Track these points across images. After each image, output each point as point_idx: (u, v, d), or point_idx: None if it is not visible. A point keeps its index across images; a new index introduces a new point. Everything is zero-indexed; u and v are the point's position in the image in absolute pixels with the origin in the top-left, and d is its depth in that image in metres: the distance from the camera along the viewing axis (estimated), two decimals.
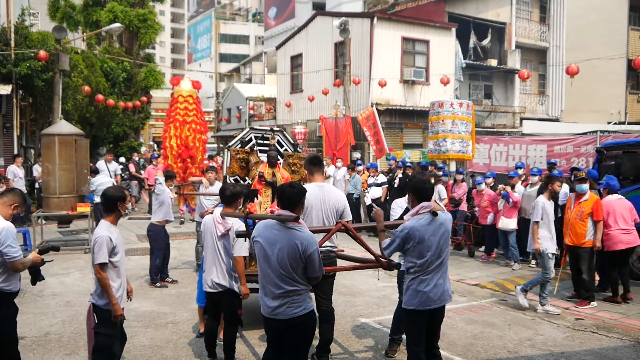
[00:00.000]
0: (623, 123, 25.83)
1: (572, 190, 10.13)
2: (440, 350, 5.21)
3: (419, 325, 4.91)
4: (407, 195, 5.23)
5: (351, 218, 6.28)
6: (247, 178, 8.31)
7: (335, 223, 6.04)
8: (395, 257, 5.51)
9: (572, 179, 8.98)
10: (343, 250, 6.40)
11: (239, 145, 8.45)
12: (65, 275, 10.02)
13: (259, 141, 8.60)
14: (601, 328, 7.38)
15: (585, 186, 8.48)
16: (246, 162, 8.26)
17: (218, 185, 10.47)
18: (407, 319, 5.02)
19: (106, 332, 4.98)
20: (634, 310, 8.18)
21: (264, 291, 4.39)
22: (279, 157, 8.25)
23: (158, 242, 9.35)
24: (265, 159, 8.20)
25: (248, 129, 8.79)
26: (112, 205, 5.04)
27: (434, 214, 4.76)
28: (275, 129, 8.80)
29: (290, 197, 4.37)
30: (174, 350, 6.42)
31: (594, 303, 8.37)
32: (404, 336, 6.44)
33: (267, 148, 8.41)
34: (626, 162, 10.54)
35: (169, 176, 9.76)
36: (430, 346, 5.04)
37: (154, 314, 7.79)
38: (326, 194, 5.86)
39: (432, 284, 4.79)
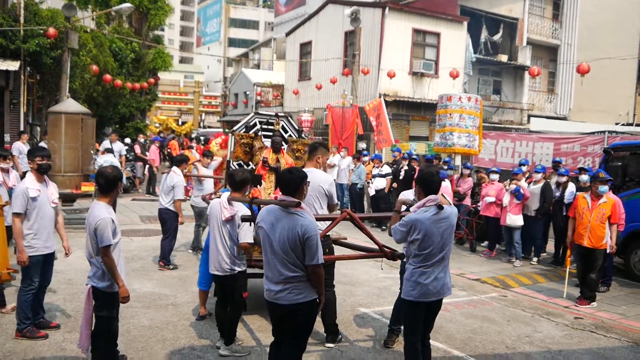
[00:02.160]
0: (631, 124, 25.69)
1: (579, 189, 10.15)
2: (431, 340, 5.29)
3: (416, 316, 4.96)
4: (414, 187, 5.24)
5: (337, 202, 6.31)
6: (250, 163, 8.29)
7: (320, 204, 6.06)
8: (400, 249, 5.52)
9: (591, 180, 8.91)
10: (346, 239, 6.41)
11: (244, 130, 8.41)
12: None
13: (263, 126, 8.56)
14: (600, 328, 7.38)
15: (607, 188, 8.41)
16: (250, 147, 8.23)
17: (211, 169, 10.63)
18: (405, 309, 5.08)
19: (108, 314, 5.02)
20: (634, 311, 8.18)
21: (267, 276, 4.42)
22: (283, 143, 8.24)
23: (173, 225, 9.46)
24: (270, 144, 8.18)
25: (253, 114, 8.74)
26: (112, 185, 5.00)
27: (439, 207, 4.78)
28: (280, 114, 8.76)
29: (289, 183, 4.40)
30: (173, 331, 6.45)
31: (594, 303, 8.38)
32: (403, 327, 6.47)
33: (271, 133, 8.37)
34: (633, 164, 10.50)
35: (182, 160, 9.79)
36: (422, 337, 5.09)
37: (154, 296, 7.82)
38: (310, 177, 5.93)
39: (433, 277, 4.83)
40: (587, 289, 8.46)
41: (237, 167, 8.20)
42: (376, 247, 5.45)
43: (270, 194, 7.75)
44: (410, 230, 4.80)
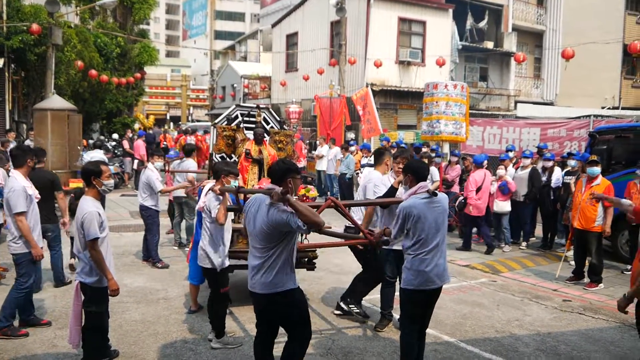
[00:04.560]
0: (617, 108, 25.87)
1: (569, 174, 10.24)
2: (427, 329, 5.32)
3: (417, 304, 5.01)
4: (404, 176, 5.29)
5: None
6: (232, 155, 8.31)
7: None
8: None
9: (587, 162, 8.97)
10: (330, 227, 6.45)
11: (225, 123, 8.42)
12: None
13: (245, 118, 8.57)
14: (588, 309, 7.48)
15: (597, 169, 8.42)
16: (232, 139, 8.23)
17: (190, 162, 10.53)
18: (405, 298, 5.04)
19: (97, 309, 5.02)
20: (621, 292, 8.22)
21: (249, 265, 4.46)
22: (265, 135, 8.25)
23: (150, 221, 9.39)
24: (252, 136, 8.19)
25: (234, 106, 8.75)
26: (86, 179, 5.05)
27: (433, 194, 4.89)
28: (261, 106, 8.77)
29: (274, 172, 4.42)
30: (165, 325, 6.46)
31: (602, 285, 8.51)
32: (394, 314, 6.54)
33: (253, 125, 8.38)
34: (618, 147, 10.59)
35: (151, 153, 9.78)
36: (421, 327, 5.14)
37: (145, 290, 7.83)
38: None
39: (433, 264, 4.87)
40: (592, 273, 8.58)
41: (219, 159, 8.21)
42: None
43: (253, 185, 7.76)
44: (405, 218, 4.86)
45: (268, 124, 8.52)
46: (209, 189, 5.78)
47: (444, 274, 4.97)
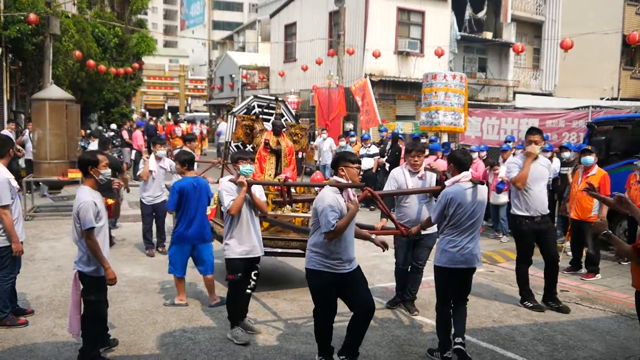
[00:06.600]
0: (616, 99, 25.85)
1: (564, 164, 10.24)
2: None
3: (445, 281, 5.35)
4: (447, 165, 5.63)
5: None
6: (247, 146, 8.45)
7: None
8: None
9: (580, 152, 9.00)
10: None
11: (244, 112, 8.55)
12: (56, 240, 10.05)
13: (264, 110, 8.72)
14: (585, 300, 7.52)
15: (591, 158, 8.43)
16: (251, 129, 8.36)
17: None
18: (436, 274, 5.44)
19: (95, 298, 5.04)
20: (618, 283, 8.31)
21: None
22: (283, 126, 8.34)
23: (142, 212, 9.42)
24: (269, 127, 8.32)
25: (252, 97, 8.89)
26: (83, 169, 5.03)
27: (480, 183, 5.26)
28: (279, 98, 8.89)
29: (332, 162, 5.02)
30: (164, 315, 6.49)
31: (599, 275, 8.55)
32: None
33: (269, 117, 8.52)
34: (616, 138, 10.60)
35: (156, 142, 9.79)
36: (458, 298, 5.41)
37: (145, 280, 7.86)
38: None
39: (460, 247, 5.19)
40: (589, 263, 8.64)
41: (235, 148, 8.41)
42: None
43: (270, 175, 7.87)
44: (446, 204, 5.18)
45: (282, 116, 8.61)
46: (230, 180, 5.74)
47: (473, 258, 5.26)
